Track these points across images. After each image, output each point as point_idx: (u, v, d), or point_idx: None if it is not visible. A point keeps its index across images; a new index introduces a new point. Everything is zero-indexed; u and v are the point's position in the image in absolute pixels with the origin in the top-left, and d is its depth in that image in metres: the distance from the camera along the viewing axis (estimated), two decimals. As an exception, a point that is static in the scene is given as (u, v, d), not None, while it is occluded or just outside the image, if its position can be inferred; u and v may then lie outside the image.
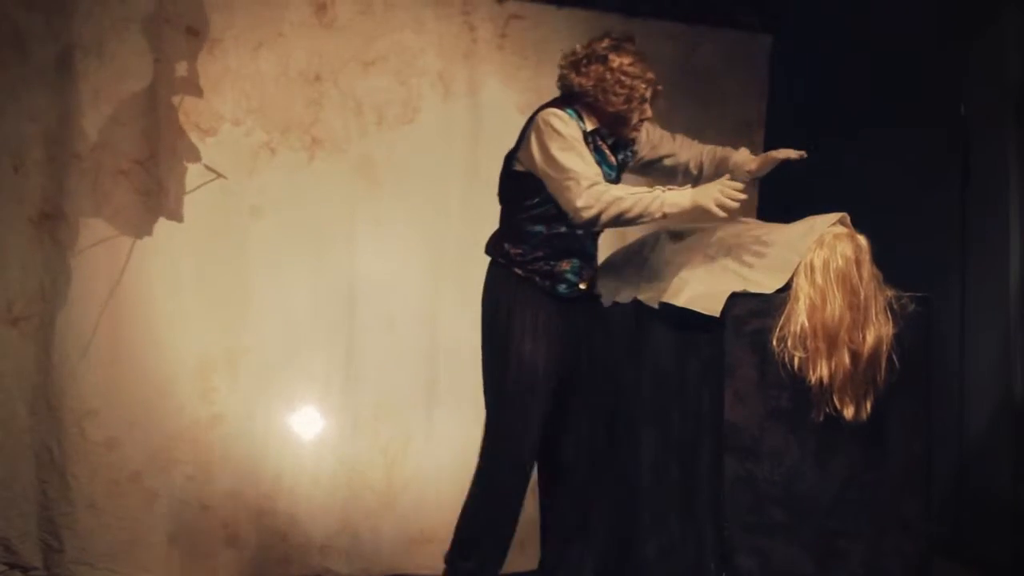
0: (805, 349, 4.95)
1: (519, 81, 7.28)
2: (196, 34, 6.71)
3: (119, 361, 6.57)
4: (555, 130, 5.42)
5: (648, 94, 5.56)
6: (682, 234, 5.75)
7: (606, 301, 5.91)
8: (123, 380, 6.57)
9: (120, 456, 6.58)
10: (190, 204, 6.66)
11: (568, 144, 5.41)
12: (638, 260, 5.86)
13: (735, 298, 4.98)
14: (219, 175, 6.71)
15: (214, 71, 6.72)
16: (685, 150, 5.93)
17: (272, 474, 6.81)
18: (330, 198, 6.90)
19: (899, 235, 5.71)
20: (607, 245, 7.11)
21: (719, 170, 5.81)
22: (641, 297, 5.49)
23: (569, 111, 5.50)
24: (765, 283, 5.03)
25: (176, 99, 6.67)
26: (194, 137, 6.68)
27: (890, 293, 5.08)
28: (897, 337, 5.05)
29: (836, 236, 5.05)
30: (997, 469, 6.57)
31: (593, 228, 5.49)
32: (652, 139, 5.90)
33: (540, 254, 5.53)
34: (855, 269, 5.00)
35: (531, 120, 5.59)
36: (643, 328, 5.55)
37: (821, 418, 5.00)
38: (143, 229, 6.57)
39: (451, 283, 7.07)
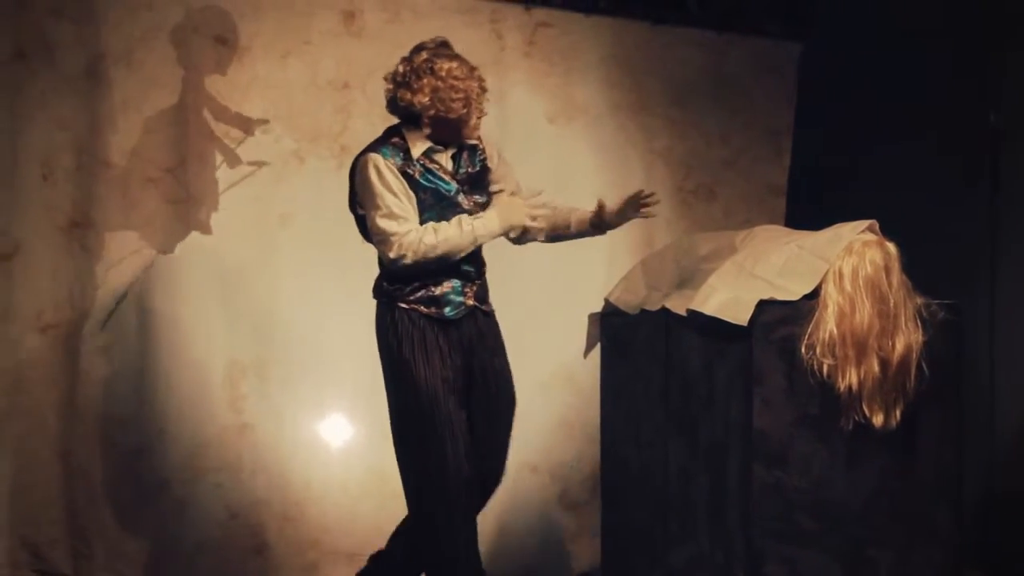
0: (834, 356, 4.93)
1: (547, 89, 7.30)
2: (224, 43, 6.73)
3: (148, 369, 6.59)
4: (368, 183, 5.41)
5: (479, 91, 5.50)
6: (711, 241, 5.74)
7: (633, 309, 5.91)
8: (152, 388, 6.59)
9: (149, 464, 6.60)
10: (218, 212, 6.68)
11: (380, 200, 5.39)
12: (666, 267, 5.85)
13: (763, 305, 4.97)
14: (261, 164, 6.74)
15: (242, 79, 6.74)
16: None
17: (301, 482, 6.82)
18: (358, 206, 6.91)
19: (928, 242, 5.69)
20: (633, 252, 7.12)
21: (557, 227, 5.84)
22: (669, 305, 5.48)
23: (384, 151, 5.45)
24: (793, 290, 5.01)
25: (205, 112, 6.71)
26: (222, 145, 6.70)
27: (919, 300, 5.05)
28: (927, 344, 5.02)
29: (865, 243, 5.03)
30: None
31: (410, 272, 5.44)
32: (500, 168, 5.81)
33: (416, 284, 5.49)
34: (884, 276, 4.98)
35: (354, 165, 5.56)
36: (671, 336, 5.54)
37: (850, 426, 4.98)
38: (172, 237, 6.58)
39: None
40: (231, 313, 6.75)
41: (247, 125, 6.75)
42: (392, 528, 6.89)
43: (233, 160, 6.72)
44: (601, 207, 5.73)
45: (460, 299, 5.55)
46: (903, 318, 5.00)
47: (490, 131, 7.02)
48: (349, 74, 6.93)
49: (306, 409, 6.86)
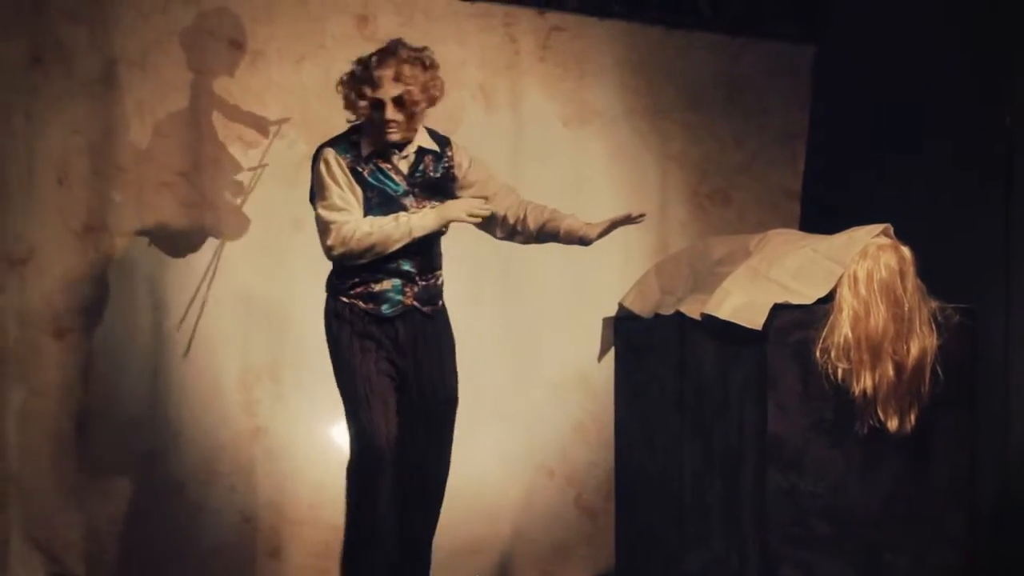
0: (848, 361, 4.92)
1: (561, 93, 7.29)
2: (239, 47, 6.74)
3: (162, 373, 6.59)
4: (318, 176, 5.64)
5: (381, 94, 5.55)
6: (725, 245, 5.74)
7: (647, 313, 5.90)
8: (166, 392, 6.60)
9: (163, 468, 6.61)
10: (233, 216, 6.68)
11: (325, 191, 5.61)
12: (680, 271, 5.85)
13: (778, 309, 4.96)
14: (262, 166, 6.75)
15: (257, 83, 6.74)
16: (503, 200, 5.92)
17: (315, 485, 6.82)
18: (372, 209, 6.92)
19: (943, 246, 5.68)
20: (647, 256, 7.11)
21: (545, 231, 5.90)
22: (683, 309, 5.48)
23: (340, 147, 5.64)
24: (807, 294, 5.01)
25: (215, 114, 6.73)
26: (237, 149, 6.71)
27: (934, 304, 5.05)
28: (941, 348, 5.02)
29: (880, 247, 5.02)
30: (1042, 481, 6.54)
31: (348, 263, 5.62)
32: (472, 174, 5.88)
33: (357, 279, 5.66)
34: (899, 280, 4.98)
35: (313, 159, 5.77)
36: (686, 340, 5.54)
37: (865, 430, 4.98)
38: (187, 241, 6.58)
39: (492, 295, 7.09)
40: (245, 317, 6.76)
41: (262, 126, 6.76)
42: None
43: (246, 164, 6.73)
44: (587, 238, 5.85)
45: (399, 298, 5.69)
46: (918, 322, 5.00)
47: (503, 135, 7.05)
48: (363, 78, 6.93)
49: (320, 412, 6.85)
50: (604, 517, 7.05)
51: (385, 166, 5.64)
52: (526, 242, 6.00)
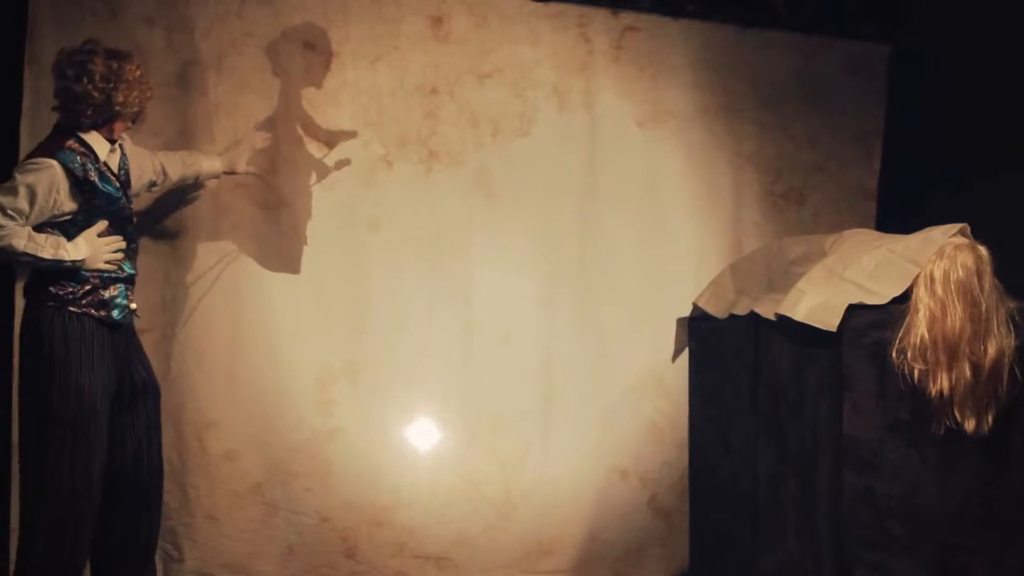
0: (925, 361, 4.89)
1: (635, 93, 7.27)
2: (314, 49, 6.76)
3: (239, 374, 6.62)
4: (22, 174, 5.48)
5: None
6: (800, 245, 5.71)
7: (722, 313, 5.88)
8: (243, 393, 6.63)
9: (240, 468, 6.63)
10: (309, 216, 6.71)
11: (15, 190, 5.46)
12: (755, 271, 5.83)
13: (853, 310, 4.94)
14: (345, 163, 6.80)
15: (332, 84, 6.77)
16: (149, 167, 6.13)
17: (390, 486, 6.84)
18: (447, 210, 6.92)
19: (1020, 246, 5.62)
20: (722, 256, 7.09)
21: (185, 177, 6.30)
22: (758, 309, 5.46)
23: (66, 156, 5.50)
24: (883, 293, 4.98)
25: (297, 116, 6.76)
26: (313, 150, 6.73)
27: (1012, 304, 5.01)
28: (1019, 349, 4.98)
29: (956, 247, 4.99)
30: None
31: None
32: (142, 164, 6.05)
33: (88, 287, 5.61)
34: (976, 280, 4.94)
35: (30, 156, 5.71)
36: (760, 340, 5.52)
37: (941, 431, 4.95)
38: (262, 242, 6.61)
39: (567, 295, 7.08)
40: (320, 318, 6.78)
41: (332, 139, 6.79)
42: (480, 532, 6.91)
43: (322, 171, 6.76)
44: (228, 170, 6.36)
45: (125, 303, 5.75)
46: (995, 322, 4.96)
47: (577, 135, 7.06)
48: (437, 79, 6.94)
49: (396, 414, 6.87)
50: (678, 518, 7.03)
51: (105, 168, 5.66)
52: (161, 191, 6.27)
